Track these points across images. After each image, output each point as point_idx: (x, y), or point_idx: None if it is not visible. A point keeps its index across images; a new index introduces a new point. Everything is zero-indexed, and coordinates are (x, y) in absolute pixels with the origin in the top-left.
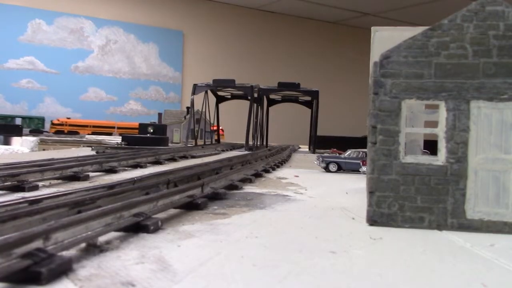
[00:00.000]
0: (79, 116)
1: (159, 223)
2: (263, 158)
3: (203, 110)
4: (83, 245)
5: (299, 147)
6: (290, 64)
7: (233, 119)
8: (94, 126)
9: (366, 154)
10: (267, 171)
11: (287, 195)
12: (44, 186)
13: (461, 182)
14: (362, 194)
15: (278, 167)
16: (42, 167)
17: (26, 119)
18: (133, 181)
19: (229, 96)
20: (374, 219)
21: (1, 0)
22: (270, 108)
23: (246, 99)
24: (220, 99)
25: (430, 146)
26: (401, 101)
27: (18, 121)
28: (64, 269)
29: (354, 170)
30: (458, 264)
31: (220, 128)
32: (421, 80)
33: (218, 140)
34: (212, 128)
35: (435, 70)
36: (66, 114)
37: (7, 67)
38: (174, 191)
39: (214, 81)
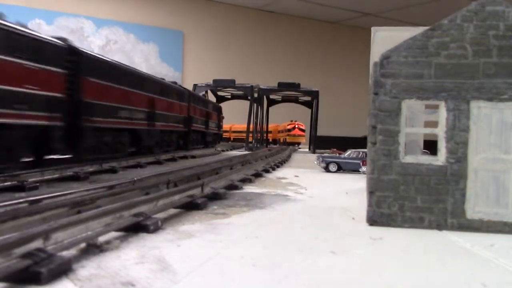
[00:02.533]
0: None
1: (159, 223)
2: (263, 158)
3: None
4: (83, 245)
5: (299, 147)
6: (290, 64)
7: (233, 119)
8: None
9: (366, 154)
10: (267, 171)
11: (287, 195)
12: (44, 186)
13: (461, 182)
14: (362, 194)
15: (278, 167)
16: (42, 166)
17: None
18: (133, 181)
19: (229, 96)
20: (374, 219)
21: (1, 0)
22: (270, 108)
23: (246, 99)
24: (220, 99)
25: (430, 146)
26: (401, 101)
27: None
28: (64, 269)
29: (354, 170)
30: (458, 264)
31: (299, 126)
32: (421, 80)
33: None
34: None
35: (435, 70)
36: None
37: None
38: (174, 191)
39: (214, 81)
